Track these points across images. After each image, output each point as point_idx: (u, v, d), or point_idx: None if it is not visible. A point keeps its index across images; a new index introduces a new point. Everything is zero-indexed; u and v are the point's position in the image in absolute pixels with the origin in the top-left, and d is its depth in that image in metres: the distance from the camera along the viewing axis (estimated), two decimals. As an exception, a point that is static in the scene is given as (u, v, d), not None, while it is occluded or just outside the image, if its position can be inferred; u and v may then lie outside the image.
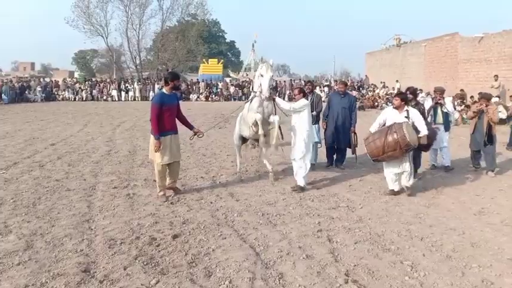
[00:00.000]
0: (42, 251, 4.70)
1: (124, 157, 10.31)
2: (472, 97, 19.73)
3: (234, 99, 34.74)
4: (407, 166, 6.89)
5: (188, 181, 7.96)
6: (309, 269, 4.30)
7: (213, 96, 35.55)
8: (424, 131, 6.88)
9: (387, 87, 28.93)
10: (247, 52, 52.60)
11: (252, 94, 7.48)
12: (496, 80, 19.47)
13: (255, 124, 7.12)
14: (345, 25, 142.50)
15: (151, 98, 33.89)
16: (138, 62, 42.62)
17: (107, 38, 41.92)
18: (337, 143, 9.03)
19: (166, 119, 6.57)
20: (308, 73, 71.08)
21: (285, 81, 39.04)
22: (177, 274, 4.15)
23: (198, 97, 35.70)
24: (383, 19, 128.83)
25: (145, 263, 4.38)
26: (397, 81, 28.63)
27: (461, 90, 21.24)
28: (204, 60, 46.03)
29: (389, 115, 7.20)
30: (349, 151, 9.17)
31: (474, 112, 8.74)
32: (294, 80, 41.95)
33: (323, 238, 5.15)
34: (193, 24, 47.65)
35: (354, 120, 9.00)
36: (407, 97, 7.39)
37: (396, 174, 7.01)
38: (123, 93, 34.41)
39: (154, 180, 7.08)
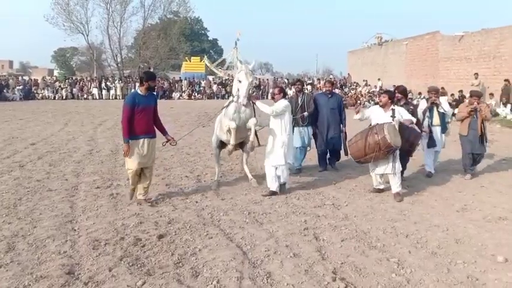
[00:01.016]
0: (25, 253, 4.59)
1: (106, 156, 10.18)
2: (452, 95, 20.02)
3: (217, 98, 34.63)
4: (392, 168, 6.68)
5: (173, 180, 7.89)
6: (297, 268, 4.29)
7: (196, 94, 35.37)
8: (410, 119, 6.88)
9: (369, 85, 29.15)
10: (230, 50, 52.45)
11: (230, 98, 7.13)
12: (476, 78, 19.79)
13: (229, 131, 6.80)
14: (327, 24, 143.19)
15: (130, 97, 33.53)
16: (119, 60, 42.19)
17: (87, 35, 41.50)
18: (331, 146, 8.67)
19: (139, 121, 6.13)
20: (291, 71, 71.34)
21: (267, 80, 39.07)
22: (164, 275, 4.10)
23: (181, 95, 35.49)
24: (365, 18, 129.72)
25: (130, 264, 4.32)
26: (379, 79, 28.88)
27: (442, 88, 21.39)
28: (186, 58, 45.72)
29: (375, 113, 7.04)
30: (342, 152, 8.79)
31: (471, 111, 8.08)
32: (277, 78, 42.01)
33: (310, 236, 5.15)
34: (175, 21, 47.35)
35: (344, 120, 8.70)
36: (394, 95, 7.29)
37: (381, 176, 6.95)
38: (104, 91, 33.99)
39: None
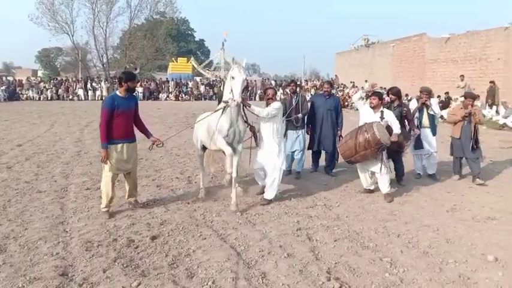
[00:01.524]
0: (17, 255, 4.54)
1: (94, 158, 10.07)
2: (439, 96, 20.27)
3: (205, 99, 34.58)
4: (380, 168, 6.73)
5: (163, 181, 7.86)
6: (291, 268, 4.31)
7: (183, 95, 35.24)
8: (396, 130, 6.88)
9: (357, 86, 29.35)
10: (217, 51, 52.43)
11: (222, 104, 6.38)
12: (462, 80, 20.08)
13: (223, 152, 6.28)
14: (314, 25, 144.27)
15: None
16: (105, 60, 41.85)
17: (72, 35, 41.07)
18: (325, 147, 8.49)
19: (118, 125, 5.79)
20: (278, 73, 71.50)
21: (255, 81, 39.12)
22: (159, 276, 4.09)
23: (168, 96, 35.34)
24: (352, 19, 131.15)
25: (125, 265, 4.30)
26: (366, 81, 29.09)
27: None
28: (173, 59, 45.56)
29: (364, 114, 7.11)
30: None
31: (465, 116, 7.92)
32: (265, 80, 42.10)
33: (303, 237, 5.18)
34: (162, 22, 47.16)
35: (341, 123, 8.51)
36: (382, 96, 7.29)
37: (370, 175, 7.04)
38: (89, 92, 33.69)
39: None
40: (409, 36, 26.51)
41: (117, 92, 5.98)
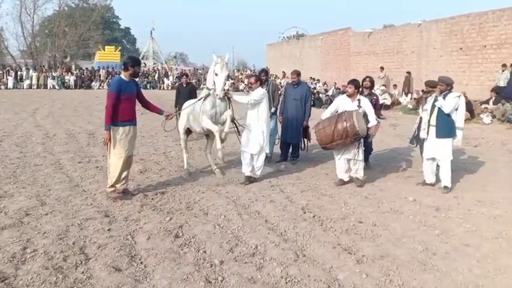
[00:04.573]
0: (58, 205, 5.66)
1: (66, 139, 10.93)
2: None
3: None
4: (358, 155, 6.95)
5: (144, 156, 8.98)
6: (276, 208, 5.86)
7: (117, 84, 35.20)
8: (373, 121, 7.00)
9: (288, 77, 31.41)
10: (144, 39, 52.29)
11: (205, 91, 7.03)
12: (382, 71, 22.64)
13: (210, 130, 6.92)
14: (243, 16, 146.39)
15: (50, 86, 33.04)
16: (33, 48, 40.60)
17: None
18: (290, 139, 8.66)
19: (124, 108, 5.94)
20: (205, 62, 72.11)
21: (189, 70, 40.00)
22: (182, 214, 5.46)
23: (101, 85, 35.23)
24: (281, 10, 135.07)
25: (152, 209, 5.61)
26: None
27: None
28: (100, 47, 44.84)
29: (342, 103, 7.15)
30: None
31: (415, 99, 8.33)
32: (197, 70, 43.08)
33: (277, 190, 6.75)
34: (84, 8, 46.22)
35: (308, 113, 8.62)
36: (359, 85, 7.30)
37: (347, 162, 7.09)
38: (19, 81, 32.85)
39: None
40: (336, 30, 28.92)
41: (122, 76, 6.09)
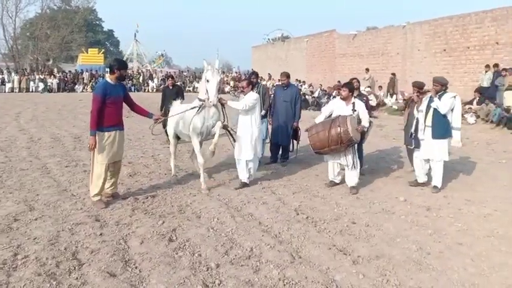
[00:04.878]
0: (47, 210, 5.56)
1: (51, 143, 10.75)
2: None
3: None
4: (351, 162, 6.81)
5: (132, 160, 8.88)
6: (268, 210, 5.83)
7: (101, 87, 34.85)
8: (365, 123, 6.91)
9: (274, 79, 31.49)
10: (128, 41, 51.90)
11: (197, 102, 6.70)
12: (367, 73, 22.81)
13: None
14: (228, 18, 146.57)
15: (33, 89, 32.59)
16: (15, 50, 39.99)
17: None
18: (280, 141, 8.66)
19: (110, 112, 5.75)
20: (190, 65, 71.81)
21: (174, 72, 39.83)
22: (174, 217, 5.40)
23: (84, 88, 34.84)
24: (266, 15, 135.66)
25: (144, 213, 5.54)
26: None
27: (338, 81, 24.28)
28: (83, 49, 44.36)
29: (337, 106, 7.03)
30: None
31: (404, 100, 8.10)
32: (182, 72, 42.92)
33: (268, 192, 6.73)
34: (67, 11, 45.75)
35: (298, 115, 8.60)
36: (354, 88, 7.18)
37: (339, 165, 7.03)
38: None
39: None
40: (321, 32, 29.07)
41: (108, 79, 5.95)
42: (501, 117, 14.36)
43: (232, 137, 7.10)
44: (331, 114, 7.05)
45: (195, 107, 6.66)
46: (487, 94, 16.46)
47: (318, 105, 21.30)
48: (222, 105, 6.76)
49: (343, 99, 6.95)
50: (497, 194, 6.85)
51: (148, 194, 6.42)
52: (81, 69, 38.79)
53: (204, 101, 6.50)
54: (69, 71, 37.79)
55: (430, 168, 7.17)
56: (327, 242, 4.78)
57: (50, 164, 8.32)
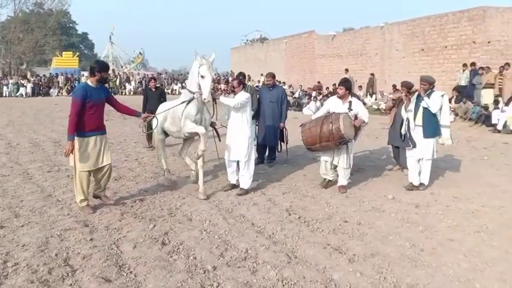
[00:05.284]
0: (33, 216, 5.40)
1: (31, 148, 10.48)
2: (327, 88, 22.99)
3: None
4: (344, 161, 6.75)
5: (116, 164, 8.70)
6: (260, 210, 5.80)
7: (76, 91, 34.31)
8: (366, 119, 6.78)
9: (253, 80, 31.49)
10: (103, 44, 51.13)
11: (186, 94, 6.52)
12: (346, 73, 22.98)
13: (195, 134, 6.62)
14: (206, 19, 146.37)
15: (6, 93, 31.84)
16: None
17: None
18: (267, 141, 8.62)
19: (90, 116, 5.51)
20: (167, 67, 71.20)
21: (152, 74, 39.41)
22: (165, 221, 5.31)
23: (60, 92, 34.21)
24: (244, 16, 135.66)
25: (133, 217, 5.43)
26: (262, 74, 31.30)
27: (318, 82, 24.49)
28: (57, 53, 43.45)
29: (333, 105, 6.91)
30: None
31: (393, 100, 8.18)
32: (160, 74, 42.53)
33: (258, 193, 6.69)
34: (40, 14, 44.90)
35: (284, 115, 8.63)
36: (351, 86, 7.09)
37: (331, 164, 6.95)
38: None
39: None
40: (300, 33, 29.23)
41: (89, 82, 5.65)
42: (479, 114, 14.67)
43: (218, 136, 7.01)
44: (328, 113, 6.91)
45: (184, 102, 6.47)
46: (464, 92, 16.80)
47: (299, 106, 21.39)
48: (214, 100, 6.62)
49: (340, 97, 6.84)
50: (482, 190, 6.97)
51: (136, 197, 6.31)
52: (56, 73, 38.06)
53: (194, 93, 6.30)
54: (44, 75, 37.01)
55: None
56: (321, 241, 4.78)
57: (31, 169, 8.11)
